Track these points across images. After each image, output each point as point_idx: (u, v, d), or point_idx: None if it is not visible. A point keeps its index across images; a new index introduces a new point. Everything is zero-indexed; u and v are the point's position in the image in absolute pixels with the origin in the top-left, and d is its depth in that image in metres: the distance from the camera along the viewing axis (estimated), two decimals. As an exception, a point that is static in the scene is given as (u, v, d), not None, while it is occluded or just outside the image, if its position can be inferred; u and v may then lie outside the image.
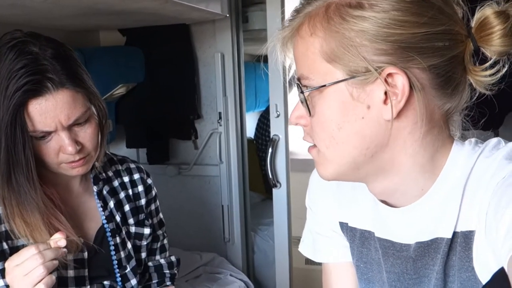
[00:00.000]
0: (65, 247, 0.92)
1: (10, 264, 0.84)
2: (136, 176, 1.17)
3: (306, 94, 0.65)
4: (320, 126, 0.66)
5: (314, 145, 0.69)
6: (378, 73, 0.60)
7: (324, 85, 0.63)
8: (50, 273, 0.84)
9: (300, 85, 0.67)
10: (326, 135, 0.65)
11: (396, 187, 0.68)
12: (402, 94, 0.61)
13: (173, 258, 1.24)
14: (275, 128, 2.05)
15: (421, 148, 0.65)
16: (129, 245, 1.10)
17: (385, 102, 0.62)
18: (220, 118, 2.15)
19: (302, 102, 0.67)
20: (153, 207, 1.20)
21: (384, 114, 0.62)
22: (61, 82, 0.89)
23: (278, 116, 2.02)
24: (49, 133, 0.92)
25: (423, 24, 0.60)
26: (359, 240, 0.80)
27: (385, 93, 0.61)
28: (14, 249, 0.94)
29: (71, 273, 0.99)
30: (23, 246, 0.94)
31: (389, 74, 0.61)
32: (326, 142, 0.66)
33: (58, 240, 0.87)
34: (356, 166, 0.66)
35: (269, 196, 2.83)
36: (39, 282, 0.83)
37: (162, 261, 1.21)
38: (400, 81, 0.61)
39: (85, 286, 1.01)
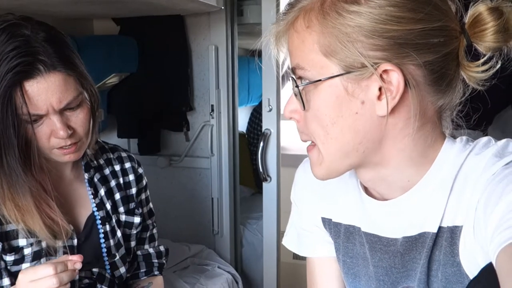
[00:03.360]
0: (55, 233, 0.92)
1: (24, 277, 0.84)
2: (127, 165, 1.17)
3: (301, 88, 0.65)
4: (315, 121, 0.66)
5: (313, 144, 0.69)
6: (374, 69, 0.60)
7: (320, 80, 0.63)
8: None
9: (295, 79, 0.67)
10: (320, 130, 0.65)
11: (383, 177, 0.69)
12: (396, 90, 0.61)
13: (162, 248, 1.24)
14: (267, 122, 2.05)
15: (412, 143, 0.66)
16: (119, 234, 1.09)
17: (379, 98, 0.62)
18: (212, 110, 2.15)
19: (296, 95, 0.67)
20: (143, 196, 1.20)
21: (377, 109, 0.63)
22: (53, 65, 0.88)
23: (270, 110, 2.02)
24: (40, 117, 0.91)
25: (420, 20, 0.60)
26: (344, 235, 0.80)
27: (380, 89, 0.62)
28: (3, 234, 0.94)
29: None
30: (13, 231, 0.94)
31: (385, 71, 0.61)
32: (321, 138, 0.66)
33: (75, 262, 0.86)
34: (348, 159, 0.67)
35: (258, 190, 2.85)
36: None
37: (151, 250, 1.21)
38: (395, 77, 0.61)
39: None
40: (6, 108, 0.86)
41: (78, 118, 0.95)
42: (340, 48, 0.61)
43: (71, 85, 0.92)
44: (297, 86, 0.66)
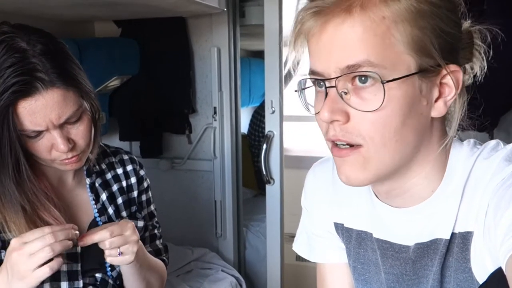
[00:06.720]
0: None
1: (20, 240, 0.83)
2: (129, 167, 1.16)
3: (369, 85, 0.59)
4: (382, 121, 0.59)
5: (353, 147, 0.62)
6: (447, 70, 0.61)
7: (402, 77, 0.58)
8: (60, 255, 0.84)
9: (364, 74, 0.59)
10: (386, 132, 0.60)
11: (408, 188, 0.67)
12: (455, 91, 0.62)
13: (159, 245, 1.20)
14: (270, 124, 2.04)
15: (440, 148, 0.66)
16: None
17: (436, 99, 0.62)
18: (215, 113, 2.14)
19: (370, 92, 0.60)
20: (144, 198, 1.18)
21: (433, 111, 0.62)
22: (51, 81, 0.86)
23: (273, 112, 2.01)
24: (40, 132, 0.89)
25: (460, 27, 0.63)
26: (356, 241, 0.79)
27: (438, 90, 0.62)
28: (6, 243, 0.93)
29: (63, 267, 0.97)
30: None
31: (452, 71, 0.61)
32: (385, 139, 0.60)
33: (73, 225, 0.89)
34: (394, 164, 0.63)
35: (261, 192, 2.83)
36: (44, 264, 0.81)
37: (149, 249, 1.17)
38: (461, 78, 0.62)
39: (78, 280, 1.00)
40: (2, 127, 0.84)
41: (79, 131, 0.93)
42: (425, 44, 0.59)
43: (70, 100, 0.90)
44: (382, 82, 0.58)
